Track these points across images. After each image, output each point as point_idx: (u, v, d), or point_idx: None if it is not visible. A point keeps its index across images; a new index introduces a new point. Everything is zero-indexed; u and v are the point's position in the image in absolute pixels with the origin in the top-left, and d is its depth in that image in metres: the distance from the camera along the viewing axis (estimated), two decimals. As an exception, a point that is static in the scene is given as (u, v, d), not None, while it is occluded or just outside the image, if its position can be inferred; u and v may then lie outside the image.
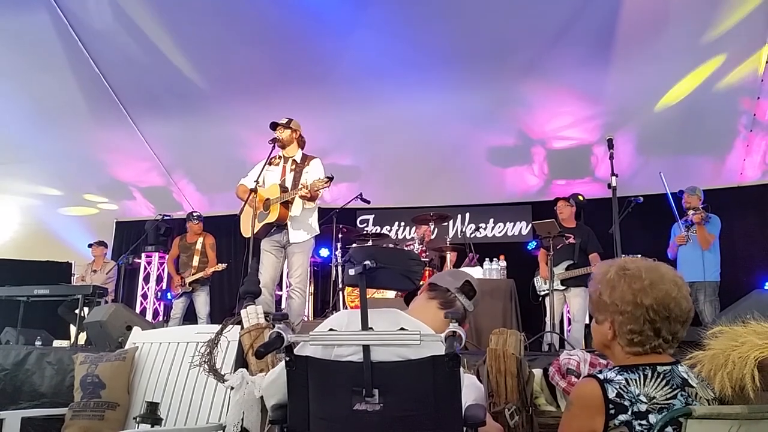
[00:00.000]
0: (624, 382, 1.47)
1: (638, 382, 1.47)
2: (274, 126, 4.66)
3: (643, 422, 1.41)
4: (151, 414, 2.51)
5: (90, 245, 7.75)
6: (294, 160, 4.69)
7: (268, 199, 4.53)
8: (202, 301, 6.59)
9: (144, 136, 7.89)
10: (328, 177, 4.29)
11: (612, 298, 1.57)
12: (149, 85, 7.10)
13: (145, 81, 7.02)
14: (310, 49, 6.34)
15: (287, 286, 4.96)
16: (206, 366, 2.88)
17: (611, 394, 1.45)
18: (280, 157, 4.73)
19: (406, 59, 6.46)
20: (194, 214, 6.98)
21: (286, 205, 4.50)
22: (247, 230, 4.46)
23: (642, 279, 1.54)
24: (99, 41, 6.47)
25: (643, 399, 1.44)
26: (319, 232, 4.74)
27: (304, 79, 6.67)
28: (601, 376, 1.50)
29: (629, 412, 1.43)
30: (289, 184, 4.58)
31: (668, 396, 1.44)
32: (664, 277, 1.55)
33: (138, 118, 7.61)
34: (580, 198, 5.93)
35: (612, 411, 1.44)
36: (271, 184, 4.61)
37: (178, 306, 6.60)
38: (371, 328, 1.62)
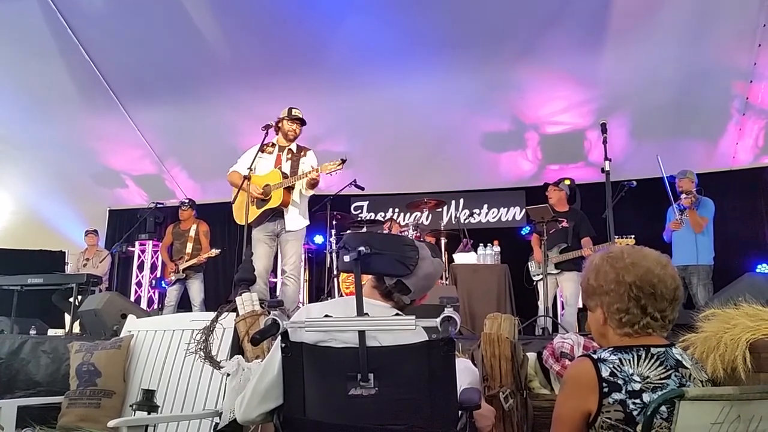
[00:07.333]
0: (618, 361, 1.49)
1: (632, 362, 1.49)
2: (303, 122, 4.69)
3: (637, 401, 1.43)
4: (148, 401, 2.52)
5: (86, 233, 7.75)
6: (290, 150, 4.70)
7: (267, 185, 4.51)
8: (196, 289, 6.59)
9: (136, 123, 7.84)
10: (342, 159, 4.33)
11: (598, 281, 1.60)
12: (140, 72, 7.03)
13: (136, 68, 6.95)
14: (303, 35, 6.29)
15: (281, 274, 4.96)
16: (202, 353, 2.89)
17: (605, 373, 1.47)
18: (273, 145, 4.71)
19: (399, 45, 6.42)
20: (185, 201, 6.96)
21: (289, 190, 4.50)
22: (241, 218, 4.45)
23: (623, 259, 1.58)
24: (89, 27, 6.39)
25: (637, 378, 1.46)
26: (309, 222, 4.76)
27: (297, 66, 6.62)
28: (595, 356, 1.52)
29: (623, 391, 1.44)
30: (286, 171, 4.58)
31: (662, 376, 1.46)
32: (646, 257, 1.58)
33: (129, 105, 7.55)
34: (567, 181, 5.93)
35: (606, 390, 1.45)
36: (271, 171, 4.59)
37: (172, 293, 6.59)
38: (367, 314, 1.62)
